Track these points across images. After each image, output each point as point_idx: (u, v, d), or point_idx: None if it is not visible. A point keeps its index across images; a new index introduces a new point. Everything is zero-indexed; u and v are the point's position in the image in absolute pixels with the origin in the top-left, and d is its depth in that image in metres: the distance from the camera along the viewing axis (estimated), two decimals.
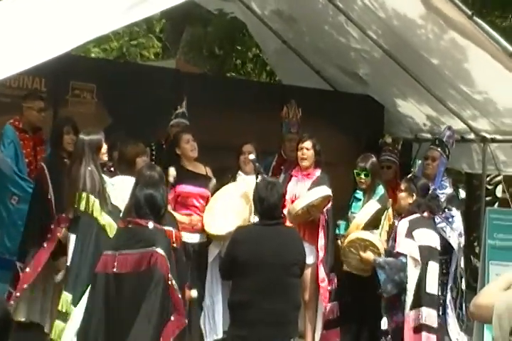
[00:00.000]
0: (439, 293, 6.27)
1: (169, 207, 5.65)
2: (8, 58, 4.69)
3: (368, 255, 6.03)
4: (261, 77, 12.73)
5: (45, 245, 5.91)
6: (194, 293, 5.60)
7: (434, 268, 5.83)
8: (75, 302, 5.36)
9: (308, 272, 6.42)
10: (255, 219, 5.65)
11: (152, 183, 4.98)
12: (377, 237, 6.24)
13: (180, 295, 4.88)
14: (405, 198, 6.11)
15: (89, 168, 5.65)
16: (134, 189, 5.01)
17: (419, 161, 8.94)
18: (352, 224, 6.35)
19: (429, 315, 5.74)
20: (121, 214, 5.18)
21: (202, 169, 6.71)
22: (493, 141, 8.19)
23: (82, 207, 5.58)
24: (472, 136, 8.28)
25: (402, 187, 6.17)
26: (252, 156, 6.68)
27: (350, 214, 6.51)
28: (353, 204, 6.61)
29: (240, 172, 6.86)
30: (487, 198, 9.97)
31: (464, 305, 7.15)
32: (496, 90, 7.30)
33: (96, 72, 7.65)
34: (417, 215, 5.99)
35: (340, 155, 8.51)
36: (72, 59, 6.69)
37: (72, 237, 5.63)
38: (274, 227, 5.23)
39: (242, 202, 6.45)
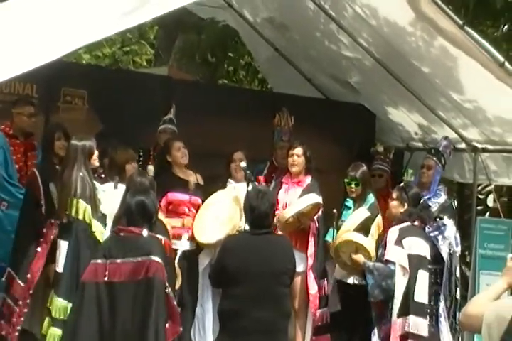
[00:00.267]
0: (432, 303, 6.27)
1: (159, 214, 5.63)
2: (0, 64, 4.68)
3: (359, 257, 6.05)
4: (253, 84, 12.73)
5: (39, 250, 5.86)
6: None
7: (423, 276, 5.84)
8: None
9: (298, 280, 6.41)
10: (246, 225, 5.64)
11: (143, 190, 4.96)
12: (370, 241, 6.24)
13: (175, 303, 4.87)
14: (396, 207, 6.13)
15: (81, 174, 5.63)
16: (124, 196, 4.99)
17: (411, 170, 8.97)
18: (340, 231, 6.36)
19: (416, 324, 5.74)
20: (107, 222, 5.14)
21: (193, 176, 6.70)
22: (484, 150, 8.21)
23: (74, 212, 5.55)
24: (463, 145, 8.30)
25: (394, 195, 6.19)
26: (243, 164, 6.66)
27: (341, 223, 6.51)
28: (344, 212, 6.61)
29: (230, 179, 6.85)
30: (478, 208, 9.96)
31: (457, 314, 7.15)
32: (487, 99, 7.33)
33: (87, 78, 7.62)
34: (408, 224, 6.00)
35: (332, 163, 8.50)
36: (63, 65, 6.67)
37: (63, 243, 5.58)
38: (263, 236, 5.19)
39: (232, 206, 6.42)
